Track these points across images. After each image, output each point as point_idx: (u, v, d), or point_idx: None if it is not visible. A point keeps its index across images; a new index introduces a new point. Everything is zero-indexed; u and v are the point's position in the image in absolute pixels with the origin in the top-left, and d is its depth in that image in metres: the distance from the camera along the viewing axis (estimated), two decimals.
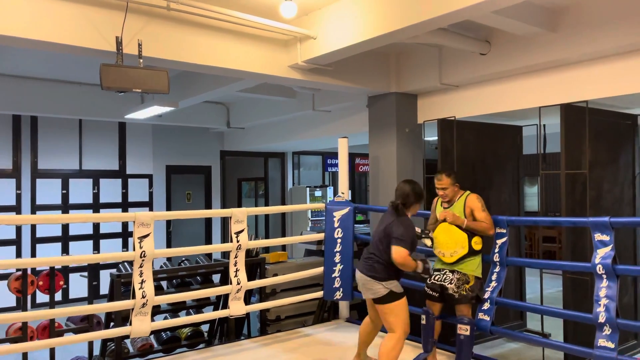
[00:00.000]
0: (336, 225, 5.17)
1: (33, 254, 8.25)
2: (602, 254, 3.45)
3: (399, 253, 3.60)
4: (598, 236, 3.49)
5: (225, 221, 9.84)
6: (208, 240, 10.32)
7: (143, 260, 4.00)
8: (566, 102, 4.54)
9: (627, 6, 4.02)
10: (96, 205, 8.96)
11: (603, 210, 4.63)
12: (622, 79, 4.32)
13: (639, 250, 5.51)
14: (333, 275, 5.14)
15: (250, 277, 5.21)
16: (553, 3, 4.34)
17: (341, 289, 5.12)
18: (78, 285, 8.31)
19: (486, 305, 4.12)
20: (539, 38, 4.55)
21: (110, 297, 4.57)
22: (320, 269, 5.28)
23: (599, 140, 4.73)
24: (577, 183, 4.54)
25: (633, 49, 4.19)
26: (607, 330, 3.39)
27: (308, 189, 11.11)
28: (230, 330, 5.05)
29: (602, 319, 3.41)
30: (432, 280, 4.08)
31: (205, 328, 5.33)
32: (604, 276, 3.45)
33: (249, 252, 5.28)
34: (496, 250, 4.19)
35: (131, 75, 3.86)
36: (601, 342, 3.39)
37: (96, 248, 8.88)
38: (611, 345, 3.34)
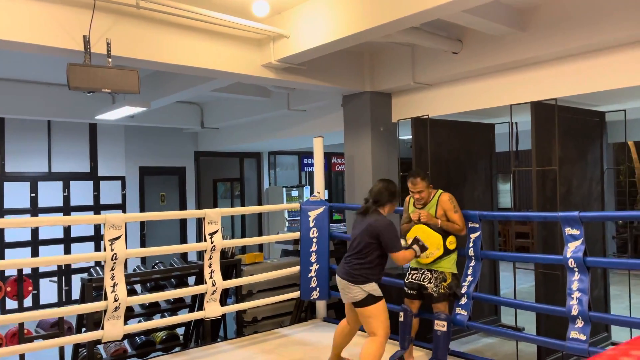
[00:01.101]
0: (311, 224, 5.16)
1: (1, 259, 8.02)
2: (572, 248, 3.52)
3: (401, 257, 3.71)
4: (568, 230, 3.56)
5: (200, 223, 9.75)
6: (183, 243, 10.18)
7: (114, 262, 3.91)
8: (536, 100, 4.62)
9: (593, 6, 4.11)
10: (67, 209, 8.75)
11: (573, 205, 4.73)
12: (590, 77, 4.42)
13: (608, 244, 5.65)
14: (309, 275, 5.13)
15: (226, 279, 5.15)
16: (522, 3, 4.41)
17: (318, 289, 5.11)
18: (49, 291, 8.12)
19: (463, 300, 4.17)
20: (509, 37, 4.62)
21: (82, 302, 4.46)
22: (296, 269, 5.26)
23: (568, 137, 4.83)
24: (547, 179, 4.62)
25: (600, 48, 4.29)
26: (579, 323, 3.46)
27: (284, 188, 11.07)
28: (206, 333, 4.99)
29: (575, 312, 3.48)
30: (410, 279, 4.11)
31: (180, 331, 5.26)
32: (576, 269, 3.52)
33: (224, 254, 5.23)
34: (470, 245, 4.24)
35: (100, 75, 3.78)
36: (573, 334, 3.46)
37: (67, 252, 8.66)
38: (583, 337, 3.42)
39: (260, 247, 10.77)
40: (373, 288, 3.65)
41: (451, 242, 4.01)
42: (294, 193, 11.07)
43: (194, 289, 4.71)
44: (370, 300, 3.61)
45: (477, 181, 5.87)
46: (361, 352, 3.59)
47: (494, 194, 6.11)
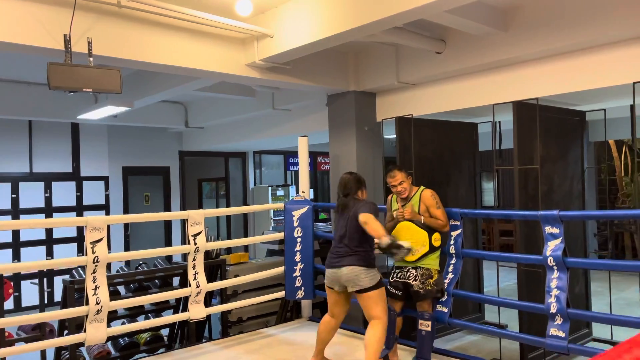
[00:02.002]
0: (295, 224, 5.16)
1: None
2: (552, 247, 3.56)
3: (365, 215, 3.63)
4: (548, 229, 3.60)
5: (185, 223, 9.66)
6: (168, 243, 10.12)
7: (96, 265, 3.87)
8: (518, 99, 4.67)
9: (574, 7, 4.16)
10: (49, 210, 8.64)
11: (554, 203, 4.79)
12: (571, 76, 4.48)
13: (589, 242, 5.74)
14: (294, 275, 5.13)
15: (211, 279, 5.14)
16: (504, 3, 4.45)
17: (303, 288, 5.11)
18: (31, 292, 8.00)
19: (443, 297, 4.20)
20: (491, 37, 4.66)
21: (64, 304, 4.41)
22: (281, 269, 5.25)
23: (549, 136, 4.89)
24: (529, 178, 4.68)
25: (580, 48, 4.35)
26: (558, 320, 3.51)
27: (270, 188, 11.05)
28: (191, 334, 4.96)
29: (553, 309, 3.52)
30: (395, 279, 4.11)
31: (165, 332, 5.22)
32: (555, 268, 3.56)
33: (209, 254, 5.20)
34: (451, 242, 4.28)
35: (81, 75, 3.74)
36: (553, 331, 3.51)
37: (49, 254, 8.56)
38: (562, 334, 3.46)
39: (245, 246, 10.73)
40: (378, 271, 3.75)
41: (436, 239, 4.03)
42: (280, 192, 11.06)
43: (177, 292, 4.68)
44: (379, 283, 3.70)
45: (461, 180, 5.92)
46: (367, 336, 3.62)
47: (477, 192, 6.16)
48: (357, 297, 3.75)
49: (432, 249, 4.02)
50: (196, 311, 4.52)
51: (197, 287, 4.48)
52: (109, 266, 4.06)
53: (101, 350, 4.71)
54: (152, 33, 4.32)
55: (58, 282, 8.24)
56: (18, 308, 7.99)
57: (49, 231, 8.59)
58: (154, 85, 6.50)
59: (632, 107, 4.20)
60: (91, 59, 3.89)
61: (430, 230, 4.02)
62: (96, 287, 3.88)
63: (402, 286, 4.06)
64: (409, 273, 4.04)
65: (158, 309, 5.09)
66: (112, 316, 4.61)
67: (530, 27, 4.44)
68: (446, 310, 4.17)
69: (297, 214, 5.17)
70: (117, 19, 4.11)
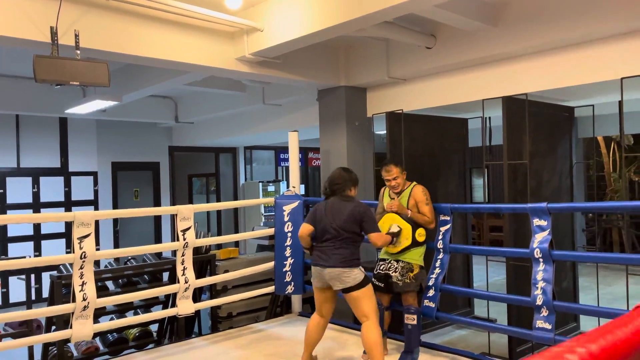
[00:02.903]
0: (286, 219, 5.15)
1: None
2: (539, 239, 3.59)
3: (378, 238, 3.75)
4: (536, 221, 3.63)
5: (174, 218, 9.57)
6: (158, 239, 10.06)
7: (83, 261, 3.83)
8: (507, 94, 4.69)
9: (562, 2, 4.18)
10: (36, 205, 8.54)
11: (543, 198, 4.82)
12: (559, 72, 4.50)
13: (578, 237, 5.79)
14: (284, 270, 5.12)
15: (201, 274, 5.11)
16: None
17: (292, 283, 5.11)
18: (19, 288, 7.94)
19: (431, 292, 4.22)
20: (481, 32, 4.67)
21: (51, 300, 4.37)
22: (271, 264, 5.24)
23: (538, 131, 4.91)
24: (518, 173, 4.70)
25: (569, 44, 4.37)
26: (544, 312, 3.53)
27: (261, 184, 11.01)
28: (180, 329, 4.94)
29: (539, 302, 3.55)
30: (378, 271, 4.14)
31: (154, 328, 5.20)
32: (541, 260, 3.59)
33: (198, 249, 5.18)
34: (440, 237, 4.29)
35: (68, 68, 3.69)
36: (539, 323, 3.54)
37: (37, 250, 8.48)
38: (548, 326, 3.49)
39: (235, 242, 10.70)
40: (363, 270, 3.73)
41: (420, 234, 4.06)
42: (271, 188, 11.03)
43: (166, 289, 4.64)
44: (365, 281, 3.67)
45: (451, 175, 5.94)
46: (365, 340, 3.61)
47: (467, 188, 6.19)
48: (344, 296, 3.72)
49: (415, 243, 4.05)
50: (184, 307, 4.50)
51: (186, 282, 4.46)
52: (97, 261, 4.02)
53: (89, 346, 4.68)
54: (141, 26, 4.27)
55: (45, 277, 8.18)
56: (6, 304, 7.92)
57: (37, 226, 8.50)
58: (143, 79, 6.45)
59: (620, 103, 4.23)
60: (78, 52, 3.85)
61: (415, 225, 4.05)
62: (83, 283, 3.84)
63: (384, 277, 4.09)
64: (390, 265, 4.09)
65: (147, 304, 5.05)
66: (101, 312, 4.57)
67: (519, 23, 4.45)
68: (433, 305, 4.19)
69: (287, 208, 5.16)
70: (105, 11, 4.07)
